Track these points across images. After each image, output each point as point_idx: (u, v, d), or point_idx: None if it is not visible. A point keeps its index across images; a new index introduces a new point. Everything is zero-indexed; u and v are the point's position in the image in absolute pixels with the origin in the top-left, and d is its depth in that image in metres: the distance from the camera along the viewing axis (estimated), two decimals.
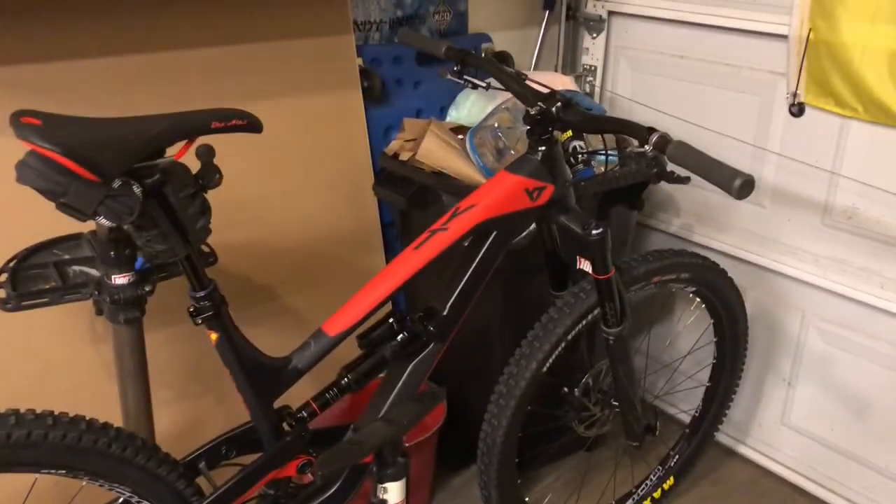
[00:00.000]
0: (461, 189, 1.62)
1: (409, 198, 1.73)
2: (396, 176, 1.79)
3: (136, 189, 0.98)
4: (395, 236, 1.99)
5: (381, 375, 1.34)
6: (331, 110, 1.80)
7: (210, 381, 1.70)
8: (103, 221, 0.98)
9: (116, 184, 0.96)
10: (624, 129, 1.21)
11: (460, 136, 1.74)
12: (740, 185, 1.03)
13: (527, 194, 1.31)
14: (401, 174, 1.77)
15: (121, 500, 1.15)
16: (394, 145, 1.81)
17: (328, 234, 1.83)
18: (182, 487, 1.17)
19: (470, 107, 1.87)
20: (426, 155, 1.68)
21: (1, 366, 1.44)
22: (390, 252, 1.97)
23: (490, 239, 1.33)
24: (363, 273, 1.88)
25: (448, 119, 1.91)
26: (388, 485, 1.17)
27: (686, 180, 1.15)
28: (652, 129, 1.15)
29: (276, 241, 1.76)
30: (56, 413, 1.05)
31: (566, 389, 1.62)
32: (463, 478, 1.96)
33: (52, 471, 1.05)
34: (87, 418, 1.08)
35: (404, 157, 1.76)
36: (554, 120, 1.28)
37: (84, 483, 1.10)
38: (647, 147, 1.13)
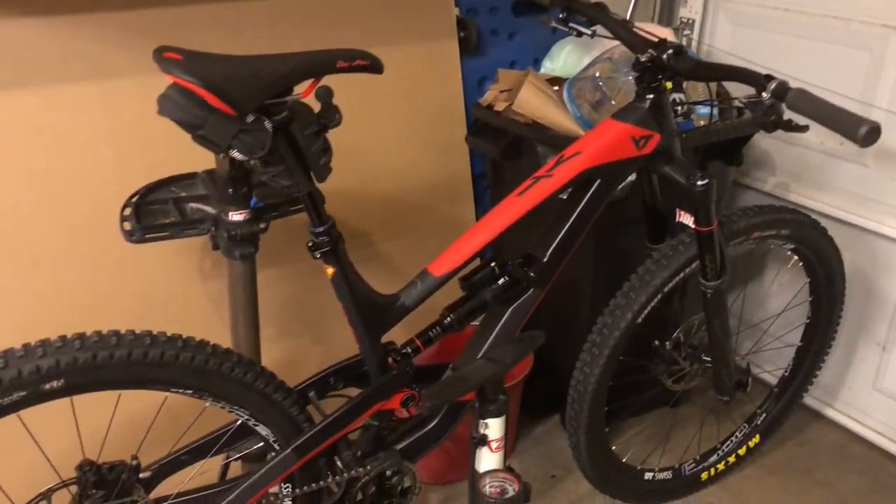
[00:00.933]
0: (557, 140, 1.62)
1: (503, 148, 1.75)
2: (490, 127, 1.80)
3: (268, 124, 1.02)
4: (485, 188, 2.01)
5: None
6: (427, 60, 1.82)
7: (309, 322, 1.77)
8: (236, 155, 1.03)
9: (250, 119, 1.00)
10: (739, 76, 1.19)
11: (556, 88, 1.74)
12: (866, 133, 1.01)
13: (633, 142, 1.31)
14: (495, 125, 1.79)
15: (239, 422, 1.22)
16: (488, 96, 1.82)
17: (420, 184, 1.87)
18: (295, 413, 1.23)
19: (565, 58, 1.86)
20: (523, 105, 1.69)
21: (118, 296, 1.53)
22: (479, 204, 1.99)
23: (593, 187, 1.33)
24: (453, 223, 1.93)
25: (542, 70, 1.90)
26: (490, 420, 1.21)
27: (804, 129, 1.13)
28: (770, 77, 1.13)
29: (371, 189, 1.80)
30: (185, 336, 1.12)
31: (657, 342, 1.63)
32: (545, 427, 1.99)
33: (181, 390, 1.13)
34: (213, 343, 1.14)
35: (499, 107, 1.77)
36: (664, 67, 1.27)
37: (207, 404, 1.17)
38: (764, 95, 1.11)
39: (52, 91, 1.41)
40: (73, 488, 1.15)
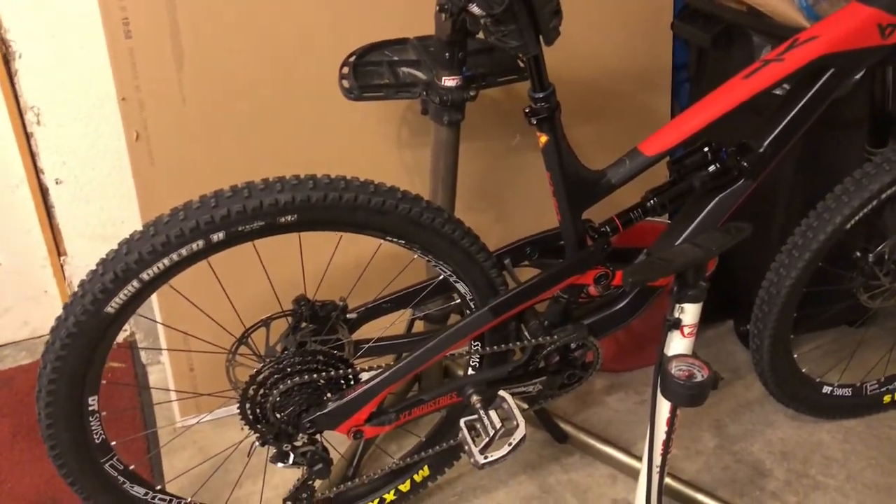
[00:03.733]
0: (777, 29, 1.52)
1: (714, 36, 1.66)
2: (701, 13, 1.71)
3: None
4: (682, 81, 1.93)
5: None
6: None
7: (492, 199, 1.81)
8: (475, 9, 1.03)
9: None
10: None
11: None
12: None
13: (879, 30, 1.21)
14: (706, 11, 1.69)
15: (441, 277, 1.28)
16: None
17: (618, 69, 1.81)
18: (494, 275, 1.27)
19: None
20: None
21: (325, 154, 1.61)
22: (674, 97, 1.92)
23: (825, 77, 1.25)
24: (648, 113, 1.88)
25: None
26: (687, 305, 1.20)
27: None
28: None
29: (566, 69, 1.76)
30: (402, 189, 1.17)
31: (859, 254, 1.55)
32: (717, 331, 1.97)
33: (395, 239, 1.19)
34: (426, 199, 1.19)
35: None
36: None
37: (416, 256, 1.23)
38: None
39: None
40: (290, 320, 1.26)
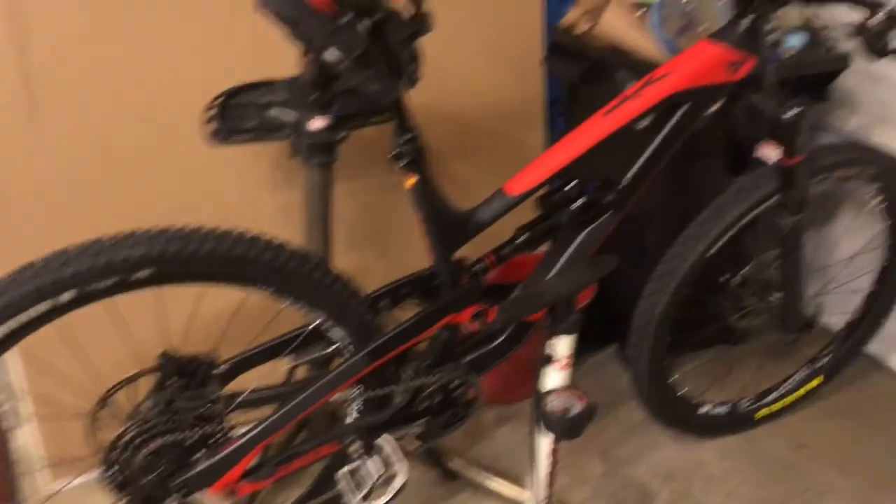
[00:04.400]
0: (639, 65, 1.58)
1: (582, 72, 1.71)
2: (569, 50, 1.77)
3: (364, 24, 1.01)
4: (556, 115, 1.98)
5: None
6: None
7: (373, 237, 1.79)
8: (330, 55, 1.02)
9: (346, 18, 0.99)
10: None
11: (642, 10, 1.69)
12: None
13: (727, 67, 1.27)
14: (575, 47, 1.75)
15: (314, 324, 1.25)
16: (570, 17, 1.78)
17: (492, 106, 1.84)
18: (369, 319, 1.25)
19: None
20: (607, 27, 1.64)
21: (193, 201, 1.56)
22: (553, 130, 1.96)
23: (681, 112, 1.30)
24: (523, 147, 1.91)
25: None
26: (559, 338, 1.22)
27: None
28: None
29: (441, 108, 1.78)
30: (265, 237, 1.14)
31: (724, 278, 1.61)
32: (599, 358, 2.01)
33: (262, 288, 1.15)
34: (292, 246, 1.16)
35: (580, 29, 1.73)
36: None
37: (286, 304, 1.20)
38: (878, 17, 1.07)
39: None
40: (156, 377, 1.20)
